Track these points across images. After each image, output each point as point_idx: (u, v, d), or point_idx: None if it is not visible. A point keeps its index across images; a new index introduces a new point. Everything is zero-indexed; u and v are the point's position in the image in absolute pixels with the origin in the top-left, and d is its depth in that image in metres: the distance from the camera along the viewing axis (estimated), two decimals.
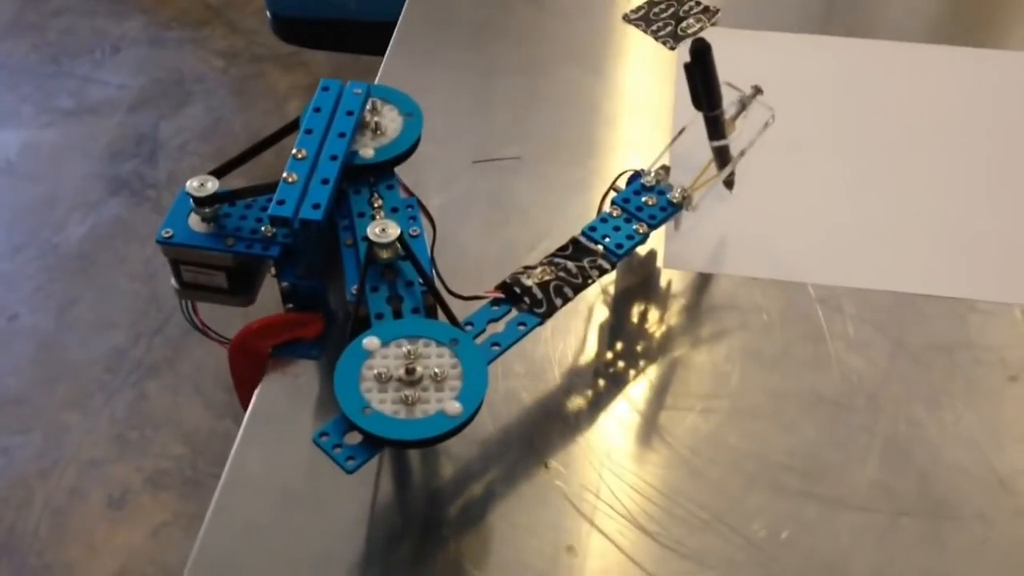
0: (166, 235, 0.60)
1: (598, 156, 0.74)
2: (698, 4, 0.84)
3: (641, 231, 0.60)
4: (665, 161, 0.64)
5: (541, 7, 0.86)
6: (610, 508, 0.55)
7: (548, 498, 0.56)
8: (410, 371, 0.51)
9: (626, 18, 0.83)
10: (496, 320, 0.56)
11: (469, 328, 0.55)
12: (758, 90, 0.63)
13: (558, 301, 0.56)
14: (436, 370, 0.52)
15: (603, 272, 0.58)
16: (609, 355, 0.62)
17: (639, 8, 0.84)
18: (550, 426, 0.59)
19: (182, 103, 1.79)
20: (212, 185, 0.60)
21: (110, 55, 1.88)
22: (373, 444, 0.50)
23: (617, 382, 0.60)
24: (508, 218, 0.69)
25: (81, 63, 1.86)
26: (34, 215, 1.61)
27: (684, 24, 0.82)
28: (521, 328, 0.56)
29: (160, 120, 1.76)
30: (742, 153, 0.64)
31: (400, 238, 0.57)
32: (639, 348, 0.62)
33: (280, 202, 0.58)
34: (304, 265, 0.61)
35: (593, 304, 0.64)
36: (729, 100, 0.63)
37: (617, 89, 0.79)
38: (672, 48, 0.81)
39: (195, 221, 0.61)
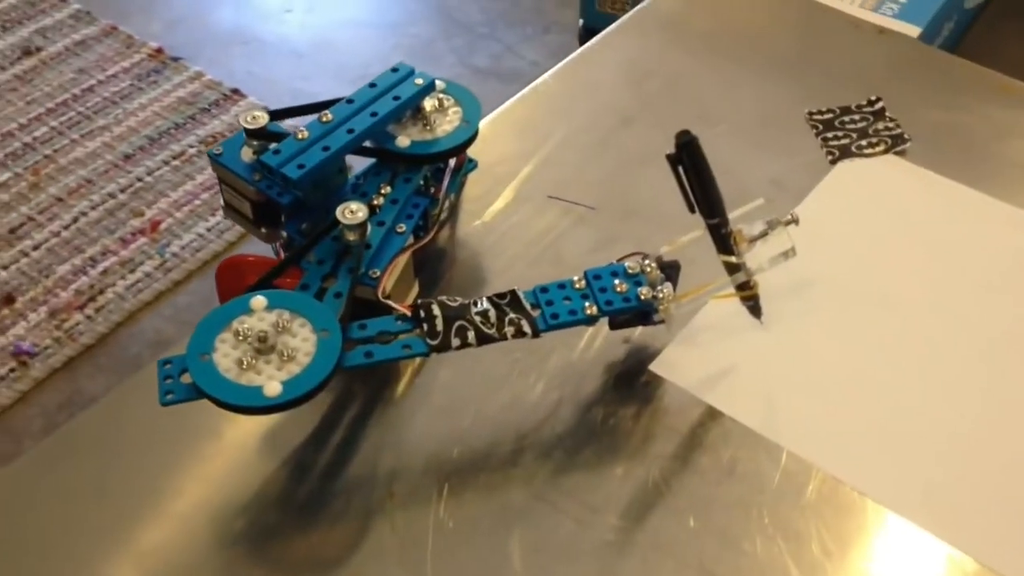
0: (216, 152, 0.66)
1: (672, 234, 0.69)
2: (896, 127, 0.74)
3: (588, 312, 0.56)
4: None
5: (734, 85, 0.81)
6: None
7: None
8: (262, 339, 0.53)
9: (809, 115, 0.76)
10: (390, 333, 0.55)
11: (362, 330, 0.55)
12: (793, 219, 0.56)
13: (455, 341, 0.55)
14: (288, 350, 0.53)
15: (520, 335, 0.55)
16: (545, 425, 0.59)
17: (828, 111, 0.76)
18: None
19: None
20: (262, 120, 0.64)
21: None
22: (197, 392, 0.52)
23: (537, 453, 0.58)
24: (541, 256, 0.67)
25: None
26: None
27: (864, 142, 0.73)
28: (405, 350, 0.55)
29: None
30: (748, 278, 0.57)
31: (363, 224, 0.58)
32: (575, 428, 0.59)
33: (276, 151, 0.61)
34: (309, 222, 0.64)
35: (567, 363, 0.61)
36: (761, 218, 0.57)
37: (741, 179, 0.73)
38: (832, 162, 0.73)
39: (246, 150, 0.66)
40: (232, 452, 0.59)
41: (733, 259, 0.56)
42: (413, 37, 1.97)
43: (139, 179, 1.67)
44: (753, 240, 0.56)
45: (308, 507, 0.56)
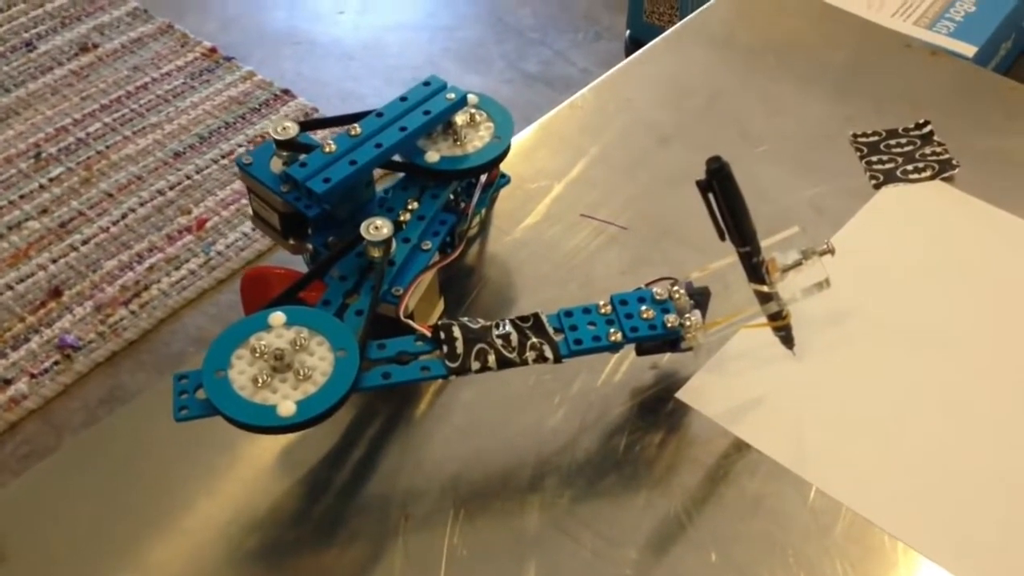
0: (246, 161, 0.65)
1: (704, 257, 0.67)
2: (944, 152, 0.72)
3: (613, 338, 0.55)
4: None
5: (777, 104, 0.79)
6: None
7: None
8: (278, 357, 0.52)
9: (854, 137, 0.74)
10: (409, 354, 0.54)
11: (381, 350, 0.54)
12: (829, 250, 0.54)
13: (475, 364, 0.53)
14: (305, 368, 0.52)
15: (541, 360, 0.54)
16: (566, 451, 0.58)
17: (874, 134, 0.73)
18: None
19: None
20: (292, 131, 0.64)
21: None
22: (211, 408, 0.52)
23: (557, 480, 0.56)
24: (571, 276, 0.66)
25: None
26: None
27: (910, 167, 0.71)
28: (423, 372, 0.54)
29: None
30: (780, 308, 0.55)
31: (388, 240, 0.57)
32: (597, 456, 0.57)
33: (303, 164, 0.60)
34: (336, 235, 0.63)
35: (592, 388, 0.60)
36: (799, 247, 0.55)
37: (782, 203, 0.71)
38: (876, 186, 0.70)
39: (276, 161, 0.65)
40: (247, 467, 0.58)
41: (765, 288, 0.54)
42: (463, 41, 1.96)
43: (188, 177, 1.68)
44: (786, 269, 0.54)
45: (323, 526, 0.55)
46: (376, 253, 0.58)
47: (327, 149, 0.60)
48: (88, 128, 1.74)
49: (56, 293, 1.52)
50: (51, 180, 1.66)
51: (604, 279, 0.66)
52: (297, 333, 0.53)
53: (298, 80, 1.85)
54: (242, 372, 0.52)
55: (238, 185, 1.67)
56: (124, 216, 1.62)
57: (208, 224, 1.61)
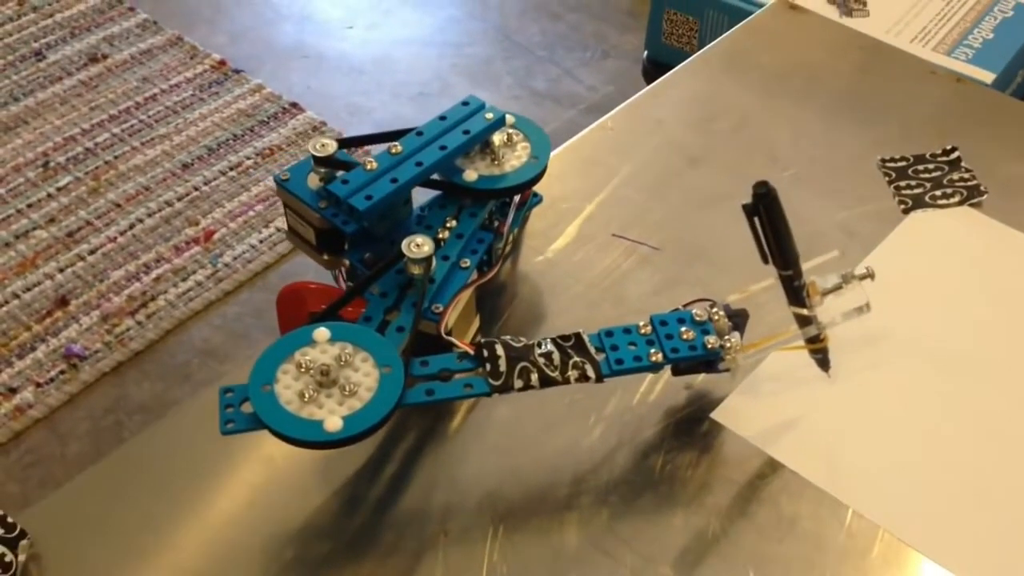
0: (283, 177, 0.65)
1: (736, 278, 0.67)
2: (971, 178, 0.73)
3: (654, 359, 0.55)
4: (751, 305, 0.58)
5: (803, 128, 0.80)
6: None
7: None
8: (324, 372, 0.52)
9: (882, 162, 0.75)
10: (452, 371, 0.55)
11: (424, 367, 0.54)
12: (869, 274, 0.55)
13: (518, 382, 0.54)
14: (350, 384, 0.52)
15: (584, 380, 0.54)
16: (602, 469, 0.58)
17: (901, 159, 0.74)
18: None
19: None
20: (330, 148, 0.64)
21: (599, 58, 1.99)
22: (257, 422, 0.52)
23: (593, 498, 0.57)
24: (603, 296, 0.66)
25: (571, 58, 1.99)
26: None
27: (938, 192, 0.72)
28: (467, 389, 0.54)
29: None
30: (821, 329, 0.56)
31: (429, 258, 0.57)
32: (633, 475, 0.58)
33: (344, 181, 0.60)
34: (372, 253, 0.64)
35: (627, 407, 0.60)
36: (835, 271, 0.56)
37: (815, 225, 0.72)
38: (904, 211, 0.71)
39: (312, 177, 0.66)
40: (284, 480, 0.58)
41: (805, 311, 0.55)
42: (471, 57, 1.97)
43: (196, 188, 1.68)
44: (826, 293, 0.55)
45: (360, 540, 0.55)
46: (417, 270, 0.58)
47: (368, 167, 0.61)
48: (96, 138, 1.74)
49: (63, 302, 1.51)
50: (59, 189, 1.66)
51: (637, 299, 0.66)
52: (342, 349, 0.53)
53: (307, 94, 1.86)
54: (288, 387, 0.52)
55: (245, 197, 1.68)
56: (132, 226, 1.62)
57: (215, 236, 1.62)
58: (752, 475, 0.58)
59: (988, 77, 1.00)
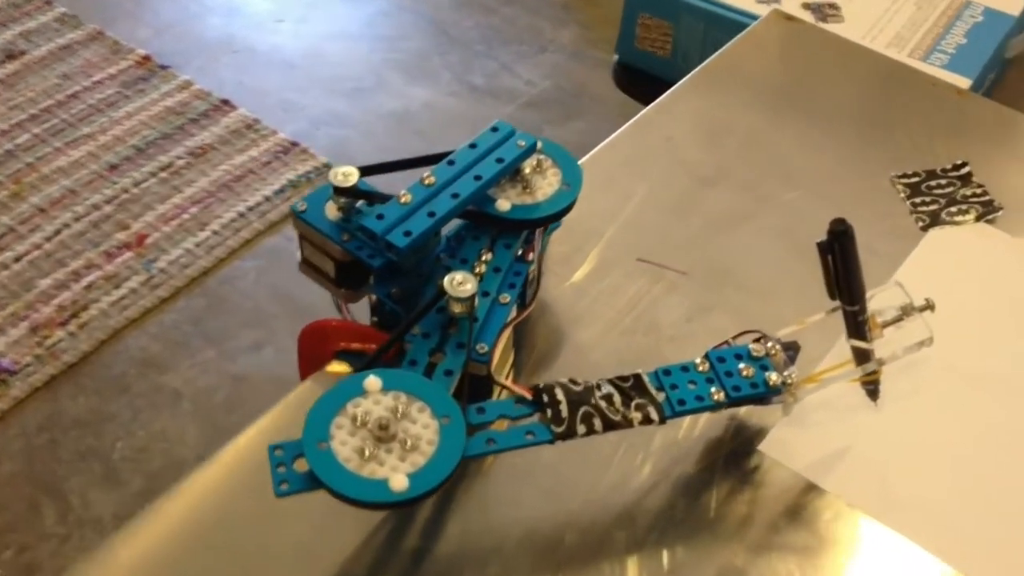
0: (300, 208, 0.62)
1: (768, 303, 0.66)
2: (984, 194, 0.73)
3: (716, 398, 0.54)
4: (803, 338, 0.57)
5: (811, 143, 0.79)
6: None
7: None
8: (383, 427, 0.49)
9: (895, 179, 0.74)
10: (510, 418, 0.52)
11: (481, 414, 0.52)
12: (929, 305, 0.54)
13: (581, 428, 0.52)
14: (411, 438, 0.49)
15: (647, 422, 0.53)
16: (655, 508, 0.56)
17: (914, 175, 0.74)
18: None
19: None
20: (352, 179, 0.61)
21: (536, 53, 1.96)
22: (315, 482, 0.49)
23: (653, 541, 0.55)
24: (635, 327, 0.65)
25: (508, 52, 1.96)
26: None
27: (954, 209, 0.72)
28: (528, 437, 0.52)
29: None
30: (880, 363, 0.55)
31: (472, 296, 0.55)
32: (686, 513, 0.56)
33: (379, 216, 0.57)
34: (400, 287, 0.61)
35: (672, 442, 0.59)
36: (892, 304, 0.55)
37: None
38: (923, 229, 0.71)
39: (331, 207, 0.62)
40: (318, 519, 0.55)
41: (864, 345, 0.54)
42: (406, 52, 1.93)
43: (125, 191, 1.61)
44: (886, 325, 0.54)
45: None
46: (459, 309, 0.55)
47: (403, 200, 0.58)
48: (17, 139, 1.65)
49: None
50: None
51: (670, 327, 0.65)
52: (396, 399, 0.51)
53: (238, 90, 1.79)
54: (344, 443, 0.49)
55: (179, 199, 1.61)
56: (58, 232, 1.54)
57: (148, 240, 1.55)
58: (809, 508, 0.57)
59: (965, 83, 1.01)
